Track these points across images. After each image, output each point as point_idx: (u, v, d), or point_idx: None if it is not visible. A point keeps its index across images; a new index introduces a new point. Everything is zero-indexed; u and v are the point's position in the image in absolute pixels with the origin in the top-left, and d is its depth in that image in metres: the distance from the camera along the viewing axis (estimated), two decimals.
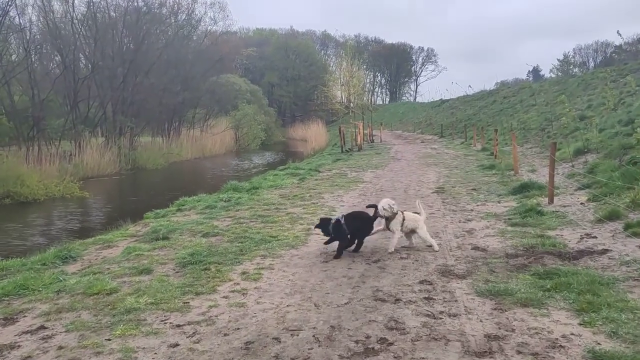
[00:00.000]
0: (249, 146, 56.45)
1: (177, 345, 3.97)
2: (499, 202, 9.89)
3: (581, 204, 8.70)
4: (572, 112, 17.50)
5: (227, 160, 44.24)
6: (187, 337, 4.10)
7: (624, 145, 11.40)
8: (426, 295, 4.93)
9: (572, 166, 12.45)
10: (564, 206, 8.76)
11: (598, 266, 5.57)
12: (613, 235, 6.62)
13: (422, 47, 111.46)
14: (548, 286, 4.93)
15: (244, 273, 5.78)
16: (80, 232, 13.48)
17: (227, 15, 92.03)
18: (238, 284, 5.44)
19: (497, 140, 18.20)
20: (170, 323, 4.40)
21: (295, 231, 7.84)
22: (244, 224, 8.52)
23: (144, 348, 3.93)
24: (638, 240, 6.22)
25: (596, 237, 6.66)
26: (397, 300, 4.83)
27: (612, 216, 7.26)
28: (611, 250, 6.04)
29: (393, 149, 26.91)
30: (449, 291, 5.04)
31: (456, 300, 4.77)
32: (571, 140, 16.29)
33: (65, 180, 22.67)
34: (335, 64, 39.02)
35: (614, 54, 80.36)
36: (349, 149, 26.04)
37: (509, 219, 8.25)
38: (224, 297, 5.04)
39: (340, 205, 10.11)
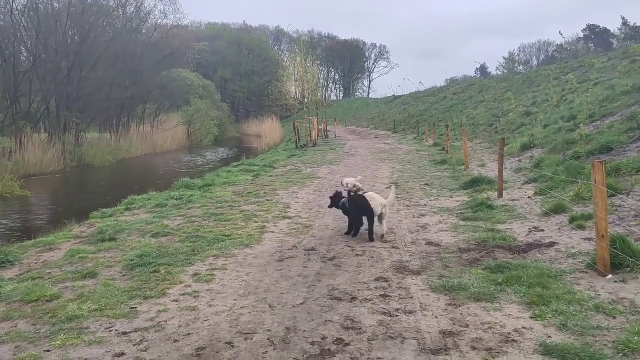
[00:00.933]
0: (202, 142, 55.38)
1: (123, 354, 3.76)
2: (451, 196, 10.06)
3: (529, 197, 8.96)
4: (519, 108, 18.10)
5: (179, 157, 43.20)
6: (133, 345, 3.89)
7: (567, 140, 11.85)
8: (382, 293, 4.90)
9: (519, 161, 12.84)
10: (513, 200, 8.99)
11: (546, 259, 5.72)
12: (559, 229, 6.83)
13: (375, 44, 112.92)
14: (500, 280, 5.01)
15: (195, 275, 5.58)
16: (21, 233, 12.75)
17: (178, 9, 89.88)
18: (189, 286, 5.24)
19: (448, 136, 18.59)
20: (116, 330, 4.17)
21: (249, 229, 7.68)
22: (197, 223, 8.28)
23: (86, 359, 3.70)
24: (582, 232, 6.44)
25: (543, 231, 6.85)
26: (353, 298, 4.78)
27: (558, 210, 7.50)
28: (558, 243, 6.22)
29: (347, 144, 27.02)
30: (405, 288, 5.04)
31: (412, 297, 4.77)
32: (518, 135, 16.83)
33: (5, 178, 21.45)
34: (289, 59, 38.67)
35: (555, 53, 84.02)
36: (303, 144, 25.95)
37: (461, 213, 8.39)
38: (174, 300, 4.84)
39: (295, 202, 10.01)
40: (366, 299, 4.75)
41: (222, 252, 6.43)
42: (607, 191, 5.16)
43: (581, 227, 6.58)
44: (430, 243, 6.72)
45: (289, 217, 8.55)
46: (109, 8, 45.62)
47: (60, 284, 5.51)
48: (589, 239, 6.05)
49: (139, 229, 8.02)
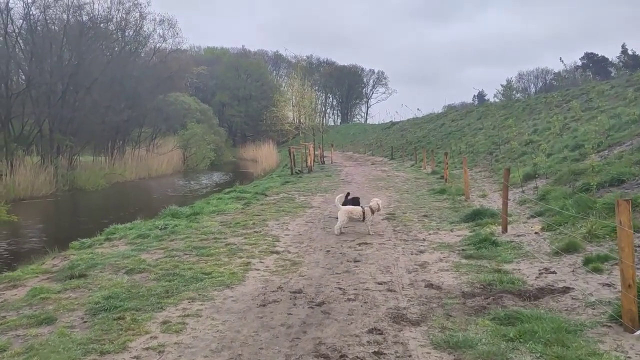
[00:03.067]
0: (198, 166, 54.87)
1: None
2: (451, 230, 9.44)
3: (535, 233, 8.35)
4: (525, 136, 17.61)
5: (174, 181, 42.60)
6: None
7: (573, 170, 11.31)
8: (376, 349, 4.24)
9: (523, 191, 12.27)
10: (518, 235, 8.38)
11: (562, 308, 5.09)
12: (573, 271, 6.20)
13: (373, 70, 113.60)
14: (511, 335, 4.36)
15: (165, 322, 4.92)
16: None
17: (177, 33, 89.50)
18: (155, 337, 4.57)
19: (447, 164, 18.06)
20: None
21: (232, 266, 7.02)
22: (176, 258, 7.62)
23: None
24: (600, 276, 5.81)
25: (555, 273, 6.22)
26: (342, 356, 4.13)
27: (570, 248, 6.88)
28: (573, 288, 5.59)
29: (344, 171, 26.47)
30: (402, 342, 4.39)
31: (410, 356, 4.12)
32: (519, 164, 16.29)
33: None
34: (287, 84, 38.42)
35: (553, 81, 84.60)
36: (298, 170, 25.39)
37: (463, 250, 7.76)
38: (134, 357, 4.17)
39: (285, 234, 9.37)
40: (357, 358, 4.09)
41: (199, 294, 5.77)
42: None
43: (597, 270, 5.95)
44: (430, 285, 6.08)
45: (277, 252, 7.90)
46: (108, 31, 45.64)
47: (12, 331, 4.86)
48: (609, 285, 5.42)
49: (113, 263, 7.36)
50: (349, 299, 5.58)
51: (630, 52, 65.49)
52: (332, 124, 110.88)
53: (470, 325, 4.70)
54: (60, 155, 35.49)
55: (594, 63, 76.35)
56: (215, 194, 17.41)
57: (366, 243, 8.44)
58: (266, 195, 15.58)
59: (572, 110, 19.86)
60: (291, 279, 6.42)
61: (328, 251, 7.96)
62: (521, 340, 4.27)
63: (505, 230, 8.71)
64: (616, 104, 18.19)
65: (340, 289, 5.96)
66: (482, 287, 5.91)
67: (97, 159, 43.58)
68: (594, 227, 7.23)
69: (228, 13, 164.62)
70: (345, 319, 4.99)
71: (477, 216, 10.03)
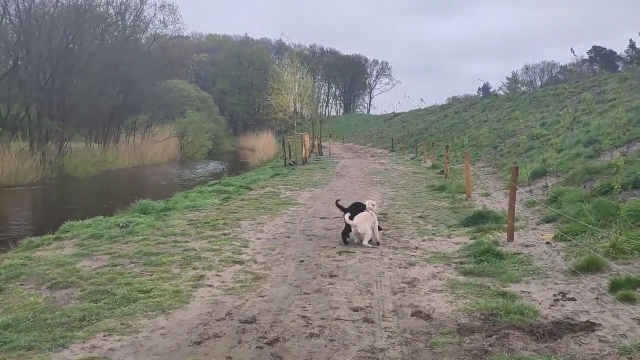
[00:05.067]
0: (195, 155, 53.72)
1: None
2: (449, 236, 8.19)
3: (547, 243, 7.10)
4: (535, 130, 16.29)
5: (168, 170, 41.48)
6: None
7: (588, 169, 10.03)
8: None
9: (530, 191, 11.01)
10: (527, 246, 7.13)
11: (587, 355, 3.85)
12: (597, 298, 4.96)
13: (377, 60, 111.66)
14: None
15: None
16: None
17: (178, 19, 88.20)
18: None
19: (448, 158, 16.76)
20: None
21: (180, 281, 5.80)
22: (118, 267, 6.41)
23: None
24: (633, 308, 4.58)
25: (575, 300, 4.98)
26: None
27: (591, 267, 5.64)
28: (600, 325, 4.35)
29: (340, 163, 25.20)
30: None
31: None
32: (526, 160, 15.01)
33: None
34: (285, 71, 37.03)
35: (559, 74, 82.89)
36: (292, 162, 24.14)
37: (461, 263, 6.52)
38: None
39: (257, 238, 8.14)
40: None
41: (123, 323, 4.55)
42: None
43: (630, 300, 4.71)
44: (418, 313, 4.84)
45: (240, 262, 6.66)
46: (105, 14, 44.27)
47: None
48: None
49: (42, 273, 6.15)
50: (311, 334, 4.35)
51: (638, 47, 63.75)
52: (335, 114, 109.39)
53: None
54: (49, 141, 34.33)
55: (602, 57, 74.62)
56: (197, 186, 16.17)
57: (348, 252, 7.20)
58: (250, 190, 14.34)
59: (584, 103, 18.48)
60: (247, 300, 5.20)
61: (302, 261, 6.73)
62: None
63: (511, 238, 7.46)
64: (632, 96, 16.81)
65: (304, 317, 4.72)
66: (483, 318, 4.68)
67: (90, 146, 42.43)
68: (619, 240, 5.97)
69: (231, 0, 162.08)
70: None
71: (478, 219, 8.78)
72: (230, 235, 8.24)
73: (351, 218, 7.53)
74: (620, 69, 60.42)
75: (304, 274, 6.16)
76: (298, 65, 33.82)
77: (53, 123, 34.08)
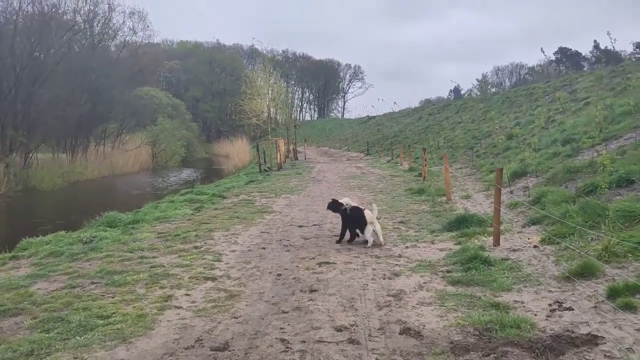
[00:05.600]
0: (168, 163, 52.64)
1: None
2: (432, 242, 7.84)
3: (534, 247, 6.82)
4: (515, 129, 16.20)
5: (139, 179, 40.40)
6: None
7: (569, 168, 9.85)
8: None
9: (511, 192, 10.79)
10: (514, 250, 6.83)
11: None
12: (595, 307, 4.65)
13: (350, 64, 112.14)
14: None
15: None
16: None
17: (148, 26, 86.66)
18: None
19: (425, 160, 16.52)
20: None
21: (145, 303, 5.28)
22: (77, 289, 5.85)
23: None
24: (635, 317, 4.27)
25: (572, 310, 4.66)
26: None
27: (585, 272, 5.35)
28: (603, 338, 4.02)
29: (316, 167, 24.80)
30: None
31: None
32: (503, 160, 14.89)
33: None
34: (262, 78, 36.43)
35: (527, 75, 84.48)
36: (267, 168, 23.63)
37: (448, 271, 6.16)
38: None
39: (231, 251, 7.64)
40: None
41: (77, 357, 4.02)
42: None
43: (630, 308, 4.41)
44: (407, 331, 4.45)
45: (213, 278, 6.17)
46: (71, 22, 42.99)
47: None
48: None
49: None
50: None
51: (602, 47, 65.25)
52: (309, 118, 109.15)
53: None
54: (13, 152, 33.07)
55: (568, 57, 76.25)
56: (168, 196, 15.54)
57: (328, 262, 6.77)
58: (224, 198, 13.79)
59: (557, 102, 18.55)
60: (219, 323, 4.72)
61: (279, 275, 6.28)
62: None
63: (497, 242, 7.15)
64: (605, 94, 16.91)
65: (282, 341, 4.27)
66: (477, 333, 4.30)
67: (58, 156, 41.13)
68: (610, 243, 5.70)
69: (202, 7, 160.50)
70: None
71: (462, 224, 8.46)
72: (202, 249, 7.73)
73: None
74: (585, 69, 61.73)
75: (282, 289, 5.71)
76: (271, 70, 33.33)
77: (17, 134, 32.85)
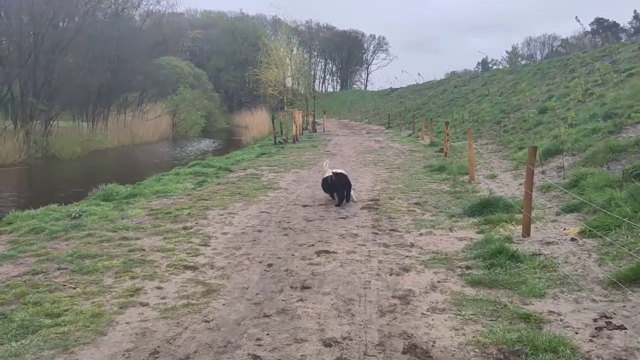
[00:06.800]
0: (187, 133, 52.19)
1: None
2: (451, 228, 6.89)
3: (572, 239, 5.81)
4: (549, 103, 14.88)
5: (158, 149, 40.03)
6: None
7: (612, 147, 8.68)
8: None
9: (543, 172, 9.68)
10: (547, 243, 5.84)
11: None
12: None
13: (374, 35, 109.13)
14: None
15: None
16: None
17: None
18: None
19: (448, 135, 15.37)
20: None
21: (107, 297, 4.52)
22: (40, 275, 5.13)
23: None
24: None
25: (625, 329, 3.70)
26: None
27: (638, 278, 4.36)
28: None
29: (333, 140, 23.78)
30: None
31: None
32: (534, 137, 13.68)
33: None
34: (283, 48, 35.23)
35: (560, 47, 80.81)
36: (282, 140, 22.74)
37: (467, 268, 5.23)
38: None
39: (223, 233, 6.83)
40: None
41: None
42: None
43: None
44: (411, 349, 3.57)
45: (194, 267, 5.37)
46: None
47: None
48: None
49: None
50: None
51: None
52: (332, 90, 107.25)
53: None
54: (33, 120, 32.90)
55: (605, 29, 72.54)
56: (175, 168, 14.82)
57: (329, 252, 5.90)
58: (230, 172, 13.00)
59: (596, 74, 17.02)
60: (186, 329, 3.91)
61: (270, 265, 5.44)
62: None
63: (527, 233, 6.15)
64: None
65: (255, 358, 3.44)
66: (502, 358, 3.40)
67: (79, 125, 41.04)
68: None
69: None
70: None
71: (485, 208, 7.46)
72: (191, 230, 6.94)
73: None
74: (623, 40, 58.50)
75: (270, 284, 4.87)
76: (293, 40, 32.11)
77: (37, 101, 32.59)
